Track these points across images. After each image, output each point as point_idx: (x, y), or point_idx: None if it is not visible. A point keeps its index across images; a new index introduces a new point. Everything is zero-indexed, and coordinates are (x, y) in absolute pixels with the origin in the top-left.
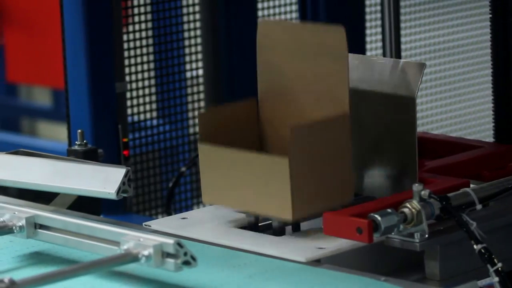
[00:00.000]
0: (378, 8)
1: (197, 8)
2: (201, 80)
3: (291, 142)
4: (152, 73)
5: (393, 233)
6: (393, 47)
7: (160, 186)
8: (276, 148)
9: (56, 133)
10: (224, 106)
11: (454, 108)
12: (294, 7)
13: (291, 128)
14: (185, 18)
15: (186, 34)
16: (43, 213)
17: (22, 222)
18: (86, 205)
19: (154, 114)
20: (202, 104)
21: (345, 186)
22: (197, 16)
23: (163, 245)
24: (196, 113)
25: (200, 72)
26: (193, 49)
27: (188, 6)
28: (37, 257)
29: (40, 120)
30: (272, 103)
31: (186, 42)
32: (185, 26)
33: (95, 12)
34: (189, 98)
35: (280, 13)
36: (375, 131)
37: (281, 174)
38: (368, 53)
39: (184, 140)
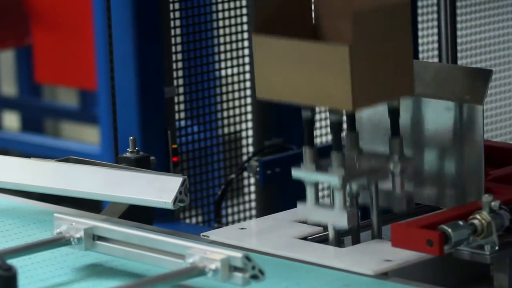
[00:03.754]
0: (431, 9)
1: (244, 10)
2: (248, 84)
3: (353, 29)
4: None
5: (463, 246)
6: (449, 46)
7: (206, 193)
8: (331, 40)
9: (82, 134)
10: None
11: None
12: None
13: (353, 14)
14: (232, 21)
15: (233, 37)
16: (102, 224)
17: (80, 234)
18: (138, 214)
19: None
20: (248, 108)
21: (406, 79)
22: (244, 19)
23: (230, 259)
24: (242, 117)
25: (248, 76)
26: (240, 53)
27: (235, 8)
28: (95, 269)
29: (66, 121)
30: None
31: (234, 45)
32: (233, 29)
33: (144, 16)
34: (236, 103)
35: None
36: (439, 138)
37: (341, 63)
38: (421, 56)
39: (231, 145)
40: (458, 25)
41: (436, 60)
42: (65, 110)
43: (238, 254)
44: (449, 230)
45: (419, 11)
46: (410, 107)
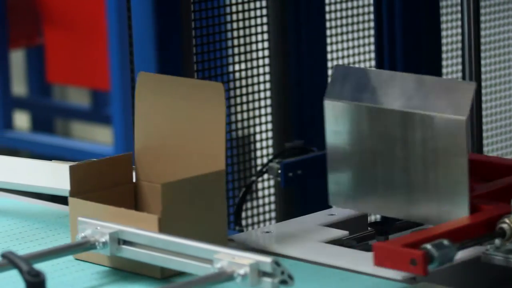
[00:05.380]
0: (455, 9)
1: (264, 11)
2: (268, 85)
3: (162, 199)
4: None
5: (491, 250)
6: (473, 47)
7: (227, 195)
8: (152, 206)
9: (93, 134)
10: (98, 160)
11: None
12: (367, 9)
13: (162, 185)
14: (252, 22)
15: (253, 38)
16: (128, 229)
17: (106, 238)
18: None
19: None
20: (268, 110)
21: (218, 240)
22: (265, 20)
23: (259, 264)
24: (262, 119)
25: (268, 77)
26: (260, 54)
27: (255, 9)
28: (120, 274)
29: (77, 121)
30: (149, 159)
31: (253, 46)
32: (253, 30)
33: (164, 16)
34: (256, 104)
35: (352, 15)
36: (423, 154)
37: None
38: (444, 55)
39: (250, 147)
40: (482, 25)
41: (459, 60)
42: (76, 110)
43: (267, 259)
44: (433, 249)
45: (443, 11)
46: (395, 121)
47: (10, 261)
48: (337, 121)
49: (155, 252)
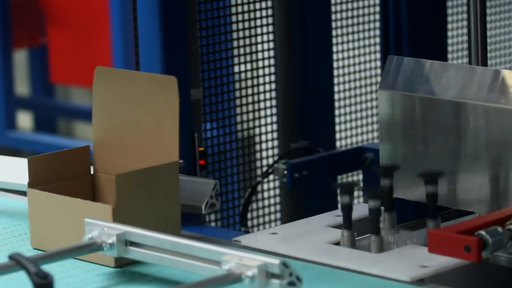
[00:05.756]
0: (461, 9)
1: (269, 11)
2: (273, 86)
3: (116, 190)
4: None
5: (500, 251)
6: (479, 46)
7: (231, 196)
8: (109, 197)
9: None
10: (56, 152)
11: None
12: (373, 9)
13: (116, 176)
14: (258, 22)
15: (259, 39)
16: (135, 230)
17: (113, 239)
18: None
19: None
20: (274, 110)
21: (172, 230)
22: (270, 20)
23: (267, 266)
24: (267, 119)
25: (273, 77)
26: (265, 54)
27: (261, 9)
28: (127, 275)
29: (80, 121)
30: (106, 152)
31: (259, 47)
32: (258, 30)
33: (170, 16)
34: (261, 105)
35: (358, 15)
36: (474, 143)
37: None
38: (449, 56)
39: (255, 148)
40: (488, 25)
41: (466, 60)
42: (79, 110)
43: (275, 261)
44: (487, 236)
45: (449, 11)
46: (448, 111)
47: (17, 262)
48: (390, 111)
49: (162, 254)
